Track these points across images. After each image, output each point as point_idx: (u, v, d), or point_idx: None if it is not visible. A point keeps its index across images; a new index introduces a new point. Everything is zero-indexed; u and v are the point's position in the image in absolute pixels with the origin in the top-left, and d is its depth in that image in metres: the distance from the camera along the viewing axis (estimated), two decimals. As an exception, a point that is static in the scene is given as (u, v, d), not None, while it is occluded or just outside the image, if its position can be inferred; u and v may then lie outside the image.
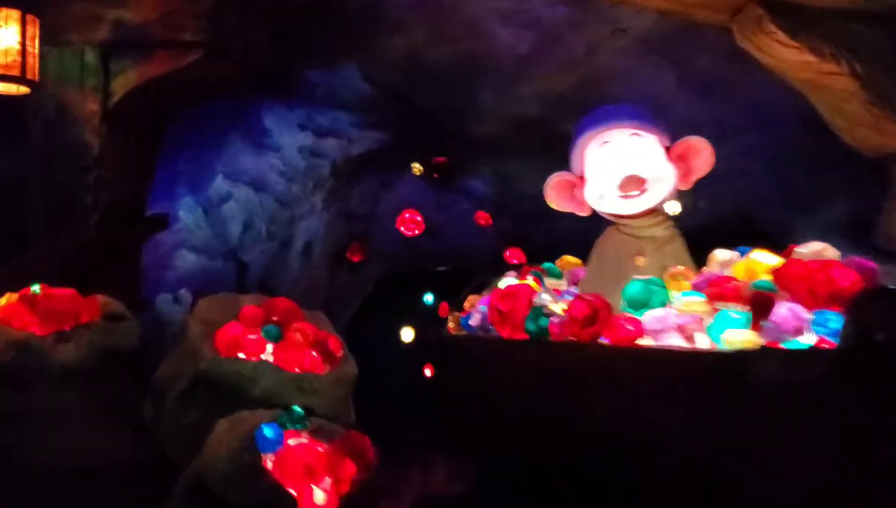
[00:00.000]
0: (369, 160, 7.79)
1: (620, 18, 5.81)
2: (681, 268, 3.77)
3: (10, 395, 3.62)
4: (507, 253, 8.36)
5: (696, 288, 3.50)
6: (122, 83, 5.63)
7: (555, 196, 4.40)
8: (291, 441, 3.35)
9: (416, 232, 8.37)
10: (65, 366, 3.66)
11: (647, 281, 3.60)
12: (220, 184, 7.51)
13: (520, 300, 4.00)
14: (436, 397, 4.97)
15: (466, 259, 8.94)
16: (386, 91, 6.90)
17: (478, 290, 4.92)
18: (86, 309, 3.78)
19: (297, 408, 3.44)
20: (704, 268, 3.85)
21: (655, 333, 3.34)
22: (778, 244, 3.75)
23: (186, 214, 7.34)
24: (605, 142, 4.20)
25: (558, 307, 3.76)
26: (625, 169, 4.11)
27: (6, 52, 3.87)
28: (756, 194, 6.17)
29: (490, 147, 7.33)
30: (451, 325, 4.78)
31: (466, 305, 4.71)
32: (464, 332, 4.50)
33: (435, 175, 7.89)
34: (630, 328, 3.36)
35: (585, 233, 4.35)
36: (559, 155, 4.39)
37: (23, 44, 3.96)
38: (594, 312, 3.57)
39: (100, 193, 5.79)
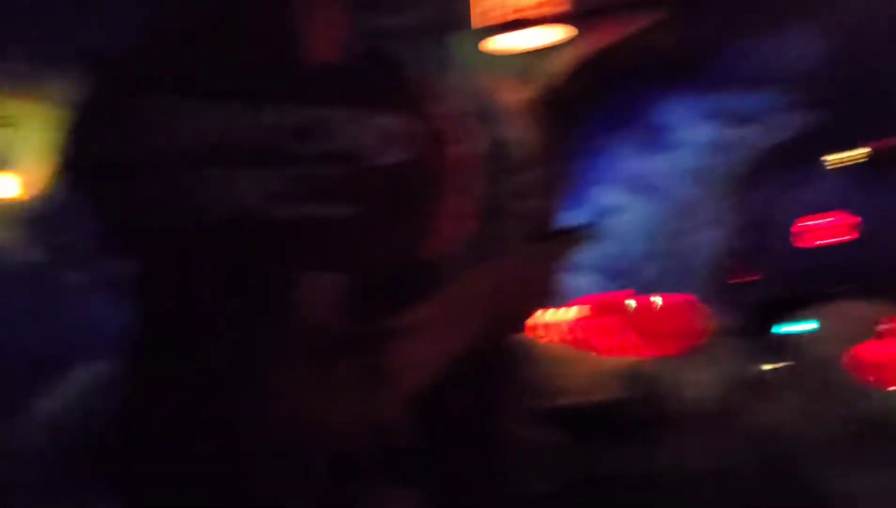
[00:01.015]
0: (785, 152, 6.39)
1: None
2: None
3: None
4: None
5: None
6: (563, 60, 4.61)
7: None
8: None
9: (835, 239, 6.83)
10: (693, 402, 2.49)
11: None
12: (610, 192, 6.43)
13: None
14: None
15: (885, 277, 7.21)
16: (836, 55, 5.49)
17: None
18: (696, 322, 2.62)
19: None
20: None
21: None
22: None
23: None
24: None
25: None
26: None
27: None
28: None
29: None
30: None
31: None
32: None
33: (880, 164, 6.34)
34: None
35: None
36: None
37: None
38: None
39: (526, 201, 4.77)
